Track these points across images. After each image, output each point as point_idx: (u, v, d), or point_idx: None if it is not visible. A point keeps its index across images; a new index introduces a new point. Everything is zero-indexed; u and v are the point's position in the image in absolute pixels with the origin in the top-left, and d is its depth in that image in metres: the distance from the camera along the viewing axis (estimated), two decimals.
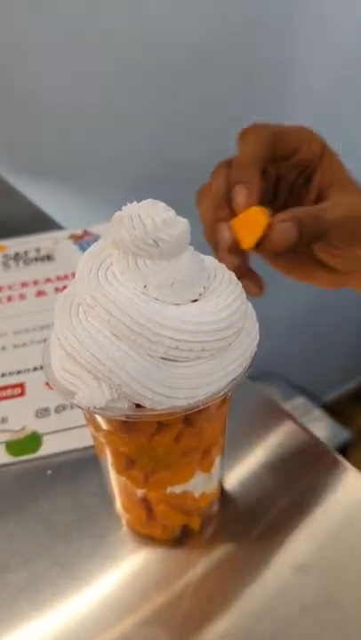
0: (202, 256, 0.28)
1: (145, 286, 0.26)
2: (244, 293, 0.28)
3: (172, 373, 0.26)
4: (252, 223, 0.36)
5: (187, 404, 0.26)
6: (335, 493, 0.39)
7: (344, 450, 1.28)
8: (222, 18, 0.90)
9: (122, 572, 0.36)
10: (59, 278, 0.60)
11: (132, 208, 0.26)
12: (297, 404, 1.39)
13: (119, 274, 0.27)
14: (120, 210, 0.26)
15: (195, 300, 0.27)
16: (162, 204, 0.26)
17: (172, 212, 0.26)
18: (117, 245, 0.26)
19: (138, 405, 0.27)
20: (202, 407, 0.27)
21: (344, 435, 1.33)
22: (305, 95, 1.08)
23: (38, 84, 0.81)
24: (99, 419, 0.29)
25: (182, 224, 0.26)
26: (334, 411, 1.45)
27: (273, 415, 0.46)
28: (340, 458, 0.42)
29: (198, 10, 0.87)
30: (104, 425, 0.29)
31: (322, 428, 1.33)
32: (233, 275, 0.29)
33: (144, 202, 0.26)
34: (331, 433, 1.32)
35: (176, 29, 0.87)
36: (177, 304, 0.26)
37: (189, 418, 0.29)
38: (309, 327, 1.42)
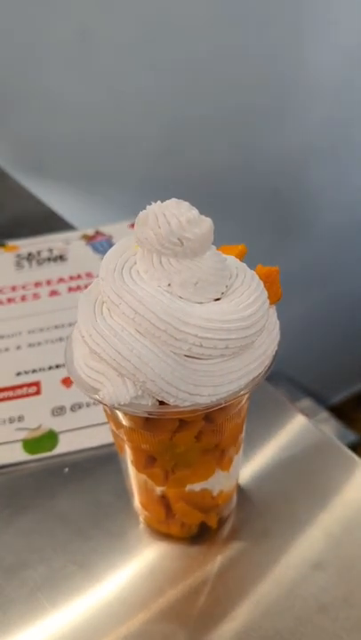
0: (224, 255, 0.29)
1: (169, 284, 0.26)
2: (266, 292, 0.29)
3: (195, 371, 0.26)
4: None
5: (210, 401, 0.27)
6: (350, 491, 0.40)
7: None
8: (229, 20, 0.90)
9: (139, 569, 0.36)
10: (72, 278, 0.61)
11: (156, 207, 0.26)
12: (303, 405, 1.39)
13: (143, 272, 0.27)
14: (144, 209, 0.26)
15: (217, 299, 0.27)
16: (186, 204, 0.26)
17: (195, 211, 0.26)
18: (142, 244, 0.26)
19: (161, 402, 0.27)
20: (224, 405, 0.27)
21: (351, 437, 1.33)
22: (311, 98, 1.09)
23: (50, 86, 0.82)
24: (120, 416, 0.29)
25: (206, 223, 0.26)
26: (340, 413, 1.45)
27: (286, 414, 0.46)
28: (354, 456, 0.42)
29: (206, 12, 0.88)
30: (125, 422, 0.30)
31: (328, 429, 1.33)
32: (255, 274, 0.29)
33: (168, 201, 0.26)
34: (337, 435, 1.32)
35: (185, 31, 0.88)
36: (200, 302, 0.27)
37: (211, 416, 0.29)
38: (316, 329, 1.42)
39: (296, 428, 0.45)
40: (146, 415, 0.27)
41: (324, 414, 1.39)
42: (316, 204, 1.24)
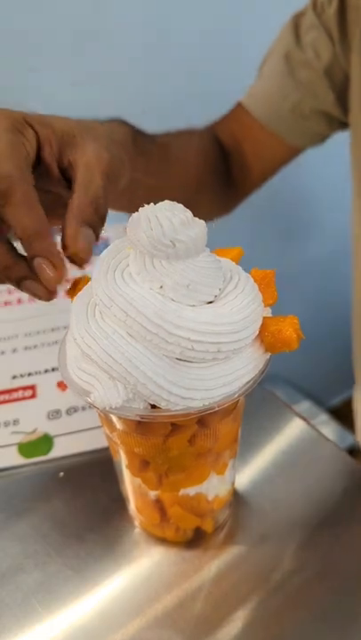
0: (218, 258, 0.28)
1: (161, 287, 0.26)
2: (261, 296, 0.28)
3: (187, 374, 0.26)
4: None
5: (202, 405, 0.26)
6: (349, 495, 0.39)
7: (350, 454, 1.28)
8: (229, 22, 0.90)
9: (134, 573, 0.36)
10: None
11: (149, 209, 0.26)
12: (303, 408, 1.39)
13: (135, 274, 0.27)
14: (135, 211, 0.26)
15: (210, 302, 0.27)
16: (179, 206, 0.26)
17: (189, 214, 0.26)
18: (134, 246, 0.26)
19: (153, 406, 0.27)
20: (217, 409, 0.27)
21: (350, 439, 1.32)
22: None
23: (48, 88, 0.82)
24: (114, 419, 0.29)
25: (199, 225, 0.26)
26: (340, 415, 1.45)
27: (284, 417, 0.46)
28: (352, 459, 0.42)
29: (205, 15, 0.88)
30: (119, 425, 0.29)
31: (328, 432, 1.33)
32: (249, 277, 0.29)
33: (161, 203, 0.26)
34: (337, 437, 1.32)
35: (184, 33, 0.88)
36: (192, 305, 0.26)
37: (204, 419, 0.29)
38: (315, 331, 1.42)
39: (294, 431, 0.45)
40: (138, 419, 0.27)
41: (324, 417, 1.39)
42: (316, 206, 1.24)
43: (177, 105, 0.93)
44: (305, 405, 1.38)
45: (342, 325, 1.48)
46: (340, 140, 1.18)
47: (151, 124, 0.92)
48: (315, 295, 1.36)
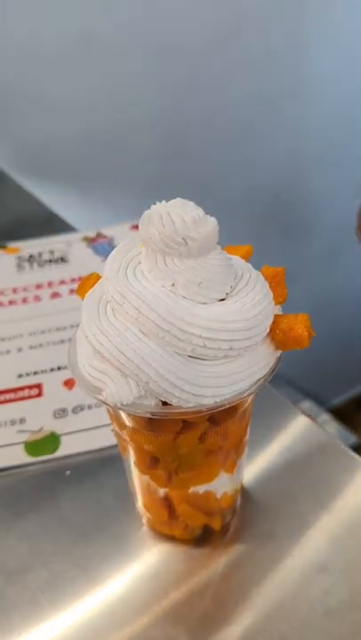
0: (229, 256, 0.28)
1: (173, 284, 0.26)
2: (272, 293, 0.28)
3: (199, 372, 0.26)
4: None
5: (213, 402, 0.26)
6: (354, 493, 0.39)
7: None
8: (230, 24, 0.91)
9: (142, 571, 0.36)
10: (73, 280, 0.60)
11: (161, 206, 0.26)
12: (303, 407, 1.39)
13: (147, 272, 0.27)
14: (147, 209, 0.26)
15: (222, 299, 0.27)
16: (191, 203, 0.26)
17: (200, 211, 0.26)
18: (146, 243, 0.26)
19: (164, 403, 0.27)
20: (228, 406, 0.27)
21: (351, 439, 1.32)
22: (311, 103, 1.09)
23: (51, 87, 0.82)
24: (123, 416, 0.29)
25: (211, 223, 0.26)
26: (341, 415, 1.45)
27: (288, 415, 0.46)
28: (358, 457, 0.42)
29: (206, 16, 0.88)
30: (129, 422, 0.29)
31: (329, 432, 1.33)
32: (260, 275, 0.29)
33: (173, 200, 0.26)
34: (338, 437, 1.32)
35: (186, 34, 0.88)
36: (204, 303, 0.27)
37: (215, 417, 0.29)
38: (315, 330, 1.42)
39: (299, 429, 0.45)
40: (149, 416, 0.27)
41: (325, 416, 1.39)
42: (317, 206, 1.24)
43: (177, 105, 0.93)
44: (306, 405, 1.38)
45: (343, 325, 1.48)
46: (340, 139, 1.18)
47: (151, 125, 0.92)
48: (315, 294, 1.36)
